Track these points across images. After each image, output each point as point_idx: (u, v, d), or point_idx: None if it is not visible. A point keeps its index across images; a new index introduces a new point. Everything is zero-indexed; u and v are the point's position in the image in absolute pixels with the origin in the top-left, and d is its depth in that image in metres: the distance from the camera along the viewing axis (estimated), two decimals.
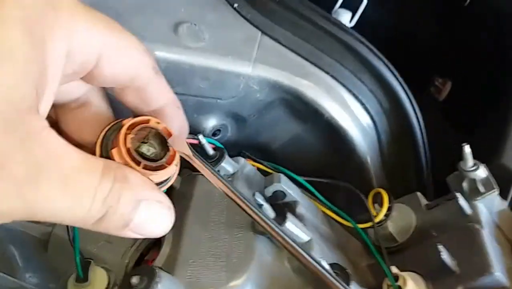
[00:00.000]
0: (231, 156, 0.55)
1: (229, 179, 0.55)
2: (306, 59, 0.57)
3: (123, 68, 0.31)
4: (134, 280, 0.42)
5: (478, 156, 0.65)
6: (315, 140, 0.63)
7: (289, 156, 0.66)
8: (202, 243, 0.48)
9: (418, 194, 0.66)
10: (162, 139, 0.33)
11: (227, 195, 0.31)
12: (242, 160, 0.58)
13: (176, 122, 0.34)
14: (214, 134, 0.62)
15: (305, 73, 0.57)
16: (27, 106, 0.25)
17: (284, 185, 0.54)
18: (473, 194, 0.60)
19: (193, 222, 0.49)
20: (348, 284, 0.44)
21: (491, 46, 0.82)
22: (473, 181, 0.60)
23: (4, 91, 0.24)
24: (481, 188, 0.60)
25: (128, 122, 0.32)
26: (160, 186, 0.33)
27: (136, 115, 0.34)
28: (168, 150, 0.33)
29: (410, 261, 0.58)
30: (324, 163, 0.66)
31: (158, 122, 0.33)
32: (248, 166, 0.58)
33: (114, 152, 0.30)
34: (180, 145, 0.33)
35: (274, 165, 0.59)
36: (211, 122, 0.60)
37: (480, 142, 0.66)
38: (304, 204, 0.56)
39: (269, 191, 0.54)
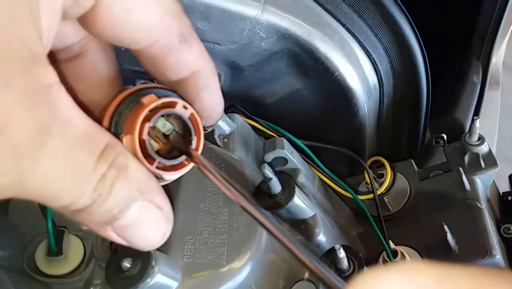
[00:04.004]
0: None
1: (225, 140, 0.48)
2: (322, 6, 0.49)
3: (130, 26, 0.23)
4: (126, 263, 0.35)
5: (434, 108, 0.62)
6: (316, 99, 0.57)
7: (283, 113, 0.59)
8: (200, 216, 0.41)
9: (411, 161, 0.63)
10: (185, 125, 0.25)
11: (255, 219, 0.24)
12: (237, 117, 0.51)
13: (199, 104, 0.26)
14: None
15: (319, 23, 0.49)
16: (29, 53, 0.18)
17: (287, 151, 0.48)
18: (473, 168, 0.58)
19: (188, 192, 0.43)
20: (362, 268, 0.41)
21: None
22: (475, 155, 0.58)
23: None
24: (483, 163, 0.57)
25: (148, 103, 0.23)
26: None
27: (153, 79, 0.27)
28: (190, 138, 0.25)
29: (406, 234, 0.55)
30: (320, 123, 0.61)
31: (186, 108, 0.25)
32: (242, 123, 0.52)
33: (125, 140, 0.23)
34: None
35: (273, 126, 0.53)
36: None
37: (436, 95, 0.63)
38: (304, 171, 0.51)
39: (270, 157, 0.48)
